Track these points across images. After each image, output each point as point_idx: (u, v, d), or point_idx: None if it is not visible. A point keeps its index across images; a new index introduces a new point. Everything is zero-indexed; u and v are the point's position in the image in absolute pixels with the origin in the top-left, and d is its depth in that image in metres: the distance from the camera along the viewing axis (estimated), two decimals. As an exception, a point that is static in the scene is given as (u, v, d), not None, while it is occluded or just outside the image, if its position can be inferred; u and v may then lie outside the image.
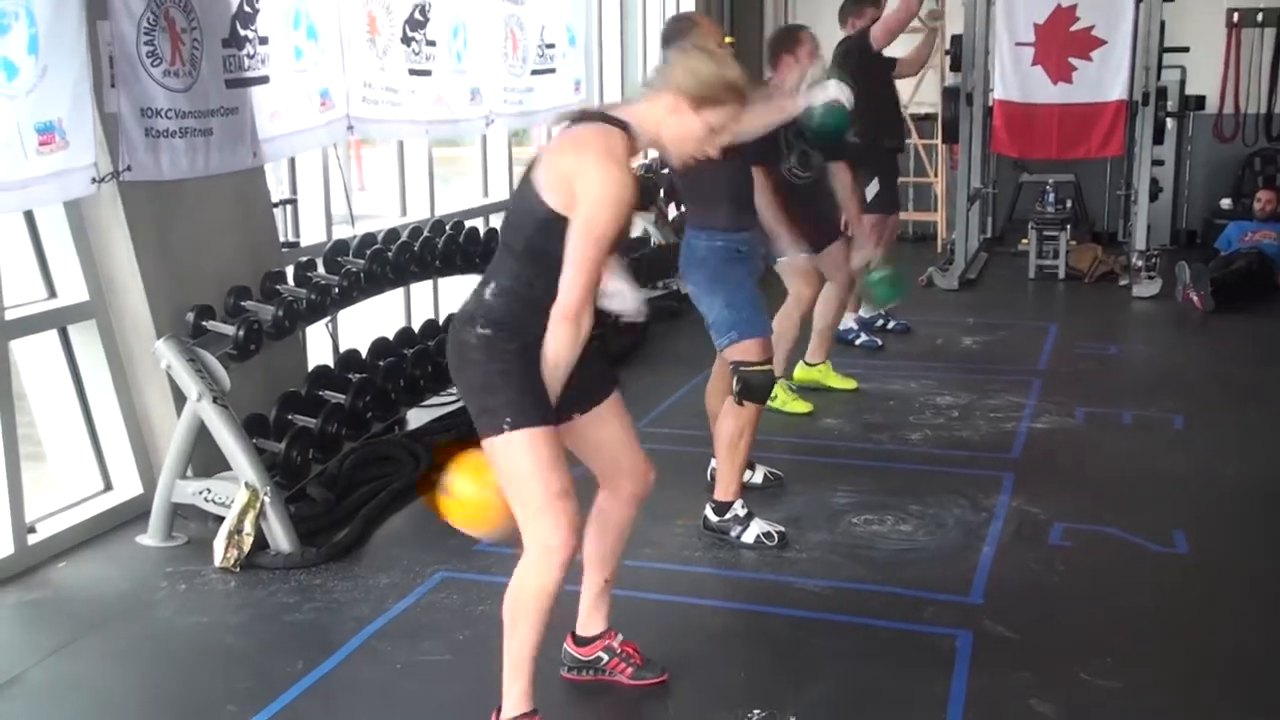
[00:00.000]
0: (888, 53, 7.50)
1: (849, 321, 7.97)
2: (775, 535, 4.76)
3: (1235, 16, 11.54)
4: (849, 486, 5.37)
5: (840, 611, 4.22)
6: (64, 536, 4.77)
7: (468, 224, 6.72)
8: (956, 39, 10.41)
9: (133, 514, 5.00)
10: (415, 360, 5.77)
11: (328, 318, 5.76)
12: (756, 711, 3.53)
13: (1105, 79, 9.52)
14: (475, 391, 3.20)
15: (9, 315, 4.62)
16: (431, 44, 6.56)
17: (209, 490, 4.77)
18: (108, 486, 5.13)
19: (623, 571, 4.09)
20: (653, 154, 9.62)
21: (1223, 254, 9.68)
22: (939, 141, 11.48)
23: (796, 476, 5.48)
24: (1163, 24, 9.67)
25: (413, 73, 6.43)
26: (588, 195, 2.99)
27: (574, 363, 3.09)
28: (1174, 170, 11.67)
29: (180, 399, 4.83)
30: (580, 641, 3.73)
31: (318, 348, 6.13)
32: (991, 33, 9.91)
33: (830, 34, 6.63)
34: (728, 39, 11.34)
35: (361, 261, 5.63)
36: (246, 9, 5.19)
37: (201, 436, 4.77)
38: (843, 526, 4.95)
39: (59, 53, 4.25)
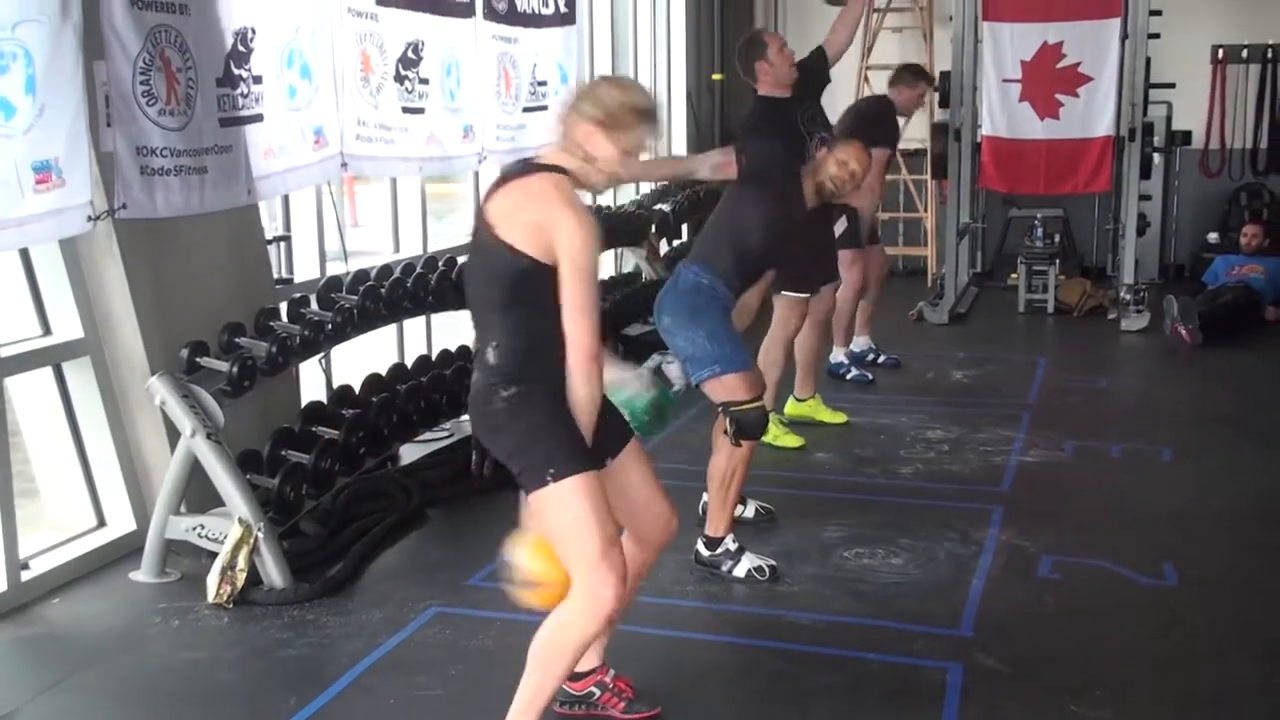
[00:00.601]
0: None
1: (840, 355, 8.02)
2: (767, 569, 4.77)
3: (1220, 53, 11.65)
4: (840, 520, 5.39)
5: (831, 645, 4.24)
6: (57, 573, 4.77)
7: (460, 260, 6.76)
8: (945, 75, 10.49)
9: (126, 550, 5.01)
10: (408, 396, 5.79)
11: (321, 354, 5.78)
12: (748, 745, 3.55)
13: (1092, 115, 9.61)
14: (514, 454, 3.22)
15: (4, 352, 4.65)
16: (424, 82, 6.61)
17: (202, 526, 4.78)
18: (101, 523, 5.14)
19: (615, 606, 4.11)
20: (645, 188, 9.73)
21: (1210, 288, 9.74)
22: (928, 177, 11.56)
23: (788, 510, 5.51)
24: (1148, 60, 9.77)
25: (406, 110, 6.48)
26: (572, 245, 3.10)
27: (600, 401, 3.16)
28: (1161, 205, 11.74)
29: (174, 435, 4.85)
30: (573, 676, 3.72)
31: (311, 384, 6.15)
32: (979, 69, 9.99)
33: (817, 41, 6.70)
34: (716, 75, 11.49)
35: (355, 298, 5.66)
36: (241, 48, 5.24)
37: (195, 472, 4.78)
38: (834, 560, 4.97)
39: (56, 92, 4.28)
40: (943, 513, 5.49)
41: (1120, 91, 9.56)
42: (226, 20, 5.14)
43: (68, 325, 4.93)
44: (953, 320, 10.01)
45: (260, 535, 4.65)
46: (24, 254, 4.85)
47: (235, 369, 4.93)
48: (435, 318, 7.16)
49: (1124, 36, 9.51)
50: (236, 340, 5.15)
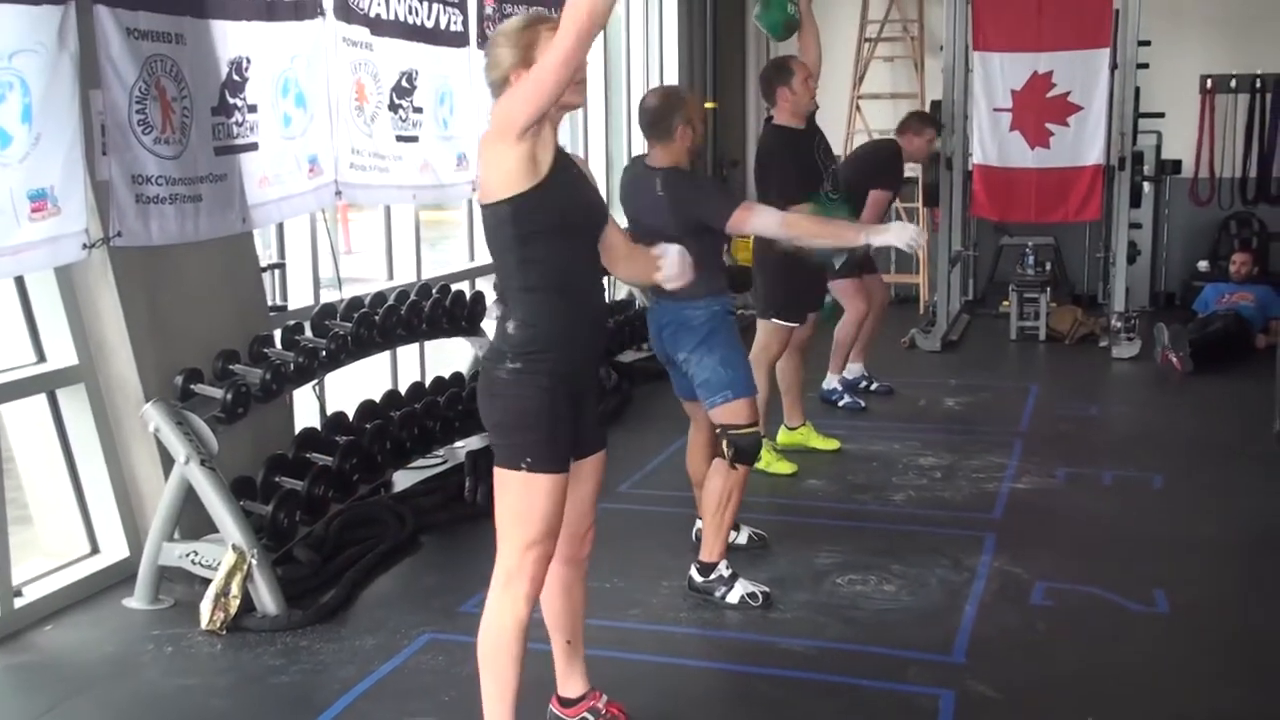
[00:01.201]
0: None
1: (833, 382, 8.05)
2: (760, 595, 4.78)
3: (1209, 83, 11.73)
4: (833, 547, 5.40)
5: (824, 671, 4.25)
6: (50, 600, 4.77)
7: (454, 287, 6.79)
8: (936, 104, 10.57)
9: (119, 577, 5.01)
10: (402, 423, 5.80)
11: (315, 381, 5.80)
12: (741, 771, 3.55)
13: (1082, 144, 9.66)
14: (501, 425, 3.29)
15: (-2, 379, 4.66)
16: (418, 111, 6.65)
17: (196, 553, 4.78)
18: (94, 550, 5.14)
19: (608, 632, 4.12)
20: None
21: (1200, 316, 9.79)
22: (920, 205, 11.61)
23: (781, 537, 5.52)
24: (1137, 90, 9.86)
25: (400, 139, 6.52)
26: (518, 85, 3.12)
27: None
28: (1152, 233, 11.79)
29: (168, 462, 4.86)
30: (565, 703, 3.75)
31: (305, 410, 6.16)
32: (970, 98, 10.06)
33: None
34: (708, 104, 11.54)
35: (349, 325, 5.68)
36: (236, 78, 5.27)
37: (189, 499, 4.79)
38: (826, 587, 4.98)
39: (52, 121, 4.31)
40: (935, 539, 5.50)
41: (1110, 121, 9.61)
42: (222, 49, 5.17)
43: (62, 352, 4.95)
44: (945, 347, 10.03)
45: (254, 562, 4.65)
46: (19, 281, 4.87)
47: (229, 396, 4.94)
48: (429, 345, 7.17)
49: (1113, 66, 9.57)
50: (231, 367, 5.17)
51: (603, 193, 3.90)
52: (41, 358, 4.97)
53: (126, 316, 4.92)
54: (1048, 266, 10.82)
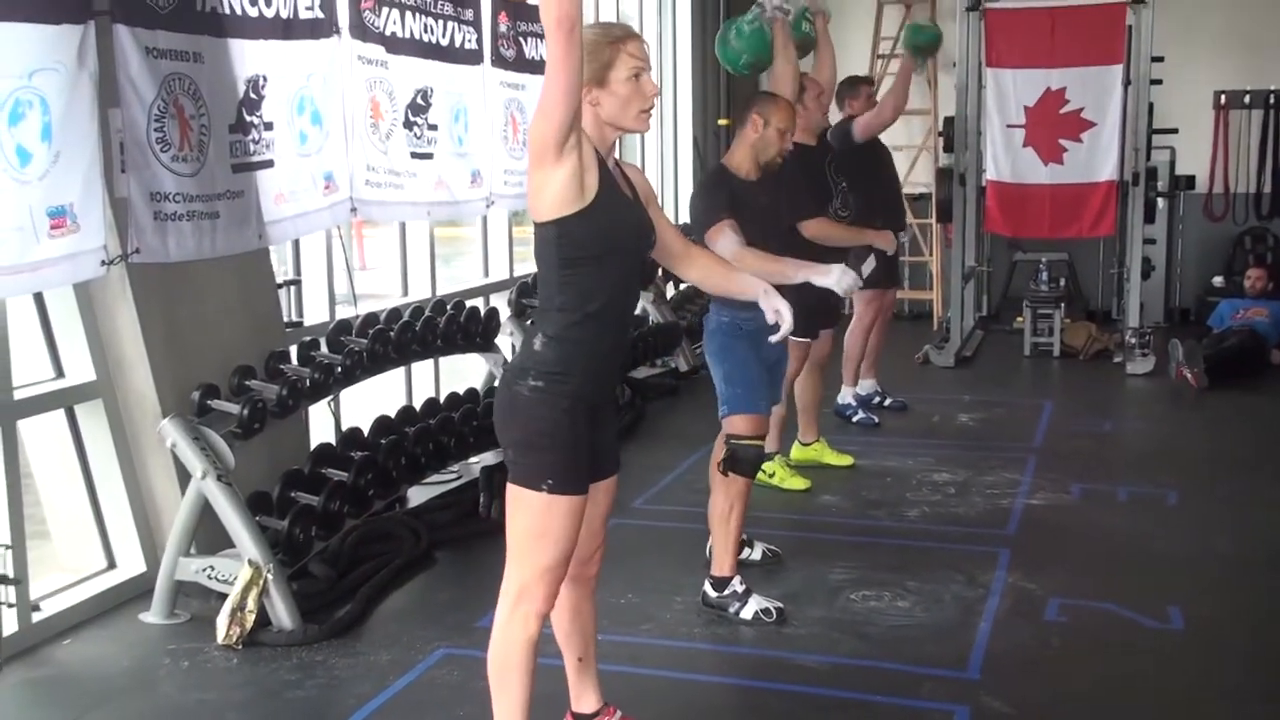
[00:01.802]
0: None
1: (848, 397, 8.05)
2: (774, 611, 4.79)
3: (1222, 98, 11.74)
4: (847, 562, 5.40)
5: (839, 687, 4.25)
6: (68, 614, 4.79)
7: (469, 303, 6.82)
8: (949, 121, 10.59)
9: (136, 592, 5.03)
10: (417, 438, 5.82)
11: (330, 396, 5.82)
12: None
13: (1096, 160, 9.65)
14: (520, 444, 3.24)
15: (17, 395, 4.69)
16: (433, 128, 6.69)
17: (212, 568, 4.80)
18: (111, 564, 5.16)
19: (621, 647, 4.12)
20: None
21: (1215, 331, 9.77)
22: (933, 221, 11.62)
23: (794, 552, 5.52)
24: (1151, 106, 9.86)
25: (415, 156, 6.55)
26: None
27: None
28: (1166, 249, 11.79)
29: (185, 477, 4.88)
30: (579, 718, 3.75)
31: (320, 426, 6.18)
32: (983, 115, 10.07)
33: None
34: (722, 121, 11.58)
35: (364, 341, 5.71)
36: (253, 95, 5.31)
37: (205, 514, 4.82)
38: (840, 602, 4.98)
39: (72, 139, 4.35)
40: (949, 555, 5.50)
41: (1123, 137, 9.62)
42: (239, 68, 5.21)
43: (80, 368, 4.98)
44: (958, 363, 10.03)
45: (269, 577, 4.67)
46: (38, 298, 4.91)
47: (246, 411, 4.97)
48: (443, 361, 7.20)
49: (1126, 82, 9.58)
50: (247, 383, 5.20)
51: (660, 199, 3.98)
52: (60, 373, 5.01)
53: (144, 332, 4.96)
54: (1062, 282, 10.82)
